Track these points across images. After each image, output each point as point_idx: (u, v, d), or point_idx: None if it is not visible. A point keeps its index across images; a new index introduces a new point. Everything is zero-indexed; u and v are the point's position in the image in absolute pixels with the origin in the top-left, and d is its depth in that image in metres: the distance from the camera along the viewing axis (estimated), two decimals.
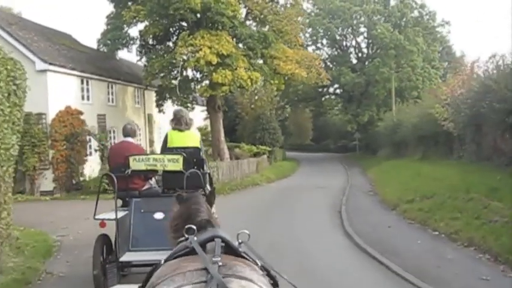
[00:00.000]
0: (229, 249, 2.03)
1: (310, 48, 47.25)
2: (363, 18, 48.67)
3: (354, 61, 51.07)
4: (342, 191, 20.48)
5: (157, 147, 32.17)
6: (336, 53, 52.20)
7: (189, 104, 24.17)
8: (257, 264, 2.05)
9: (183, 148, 6.48)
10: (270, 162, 34.94)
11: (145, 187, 6.75)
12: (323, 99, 58.01)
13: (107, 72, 24.34)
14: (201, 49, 20.74)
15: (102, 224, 6.32)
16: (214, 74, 21.36)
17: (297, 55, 25.38)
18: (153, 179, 6.97)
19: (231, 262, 1.90)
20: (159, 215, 6.08)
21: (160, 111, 25.75)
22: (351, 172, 32.16)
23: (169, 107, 26.55)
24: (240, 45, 23.38)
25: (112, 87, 24.94)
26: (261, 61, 24.18)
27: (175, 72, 23.33)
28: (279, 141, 38.04)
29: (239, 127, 38.26)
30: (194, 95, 26.43)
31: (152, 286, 1.91)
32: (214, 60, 20.82)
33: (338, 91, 54.25)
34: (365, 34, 50.15)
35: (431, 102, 20.18)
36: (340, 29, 49.44)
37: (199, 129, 37.89)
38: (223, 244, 2.02)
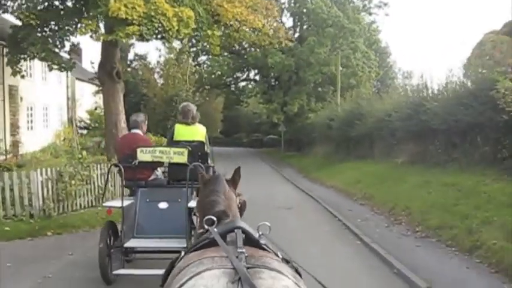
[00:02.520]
0: (249, 241, 1.93)
1: None
2: None
3: None
4: (329, 217, 12.21)
5: (24, 132, 21.54)
6: None
7: (63, 59, 14.09)
8: (278, 256, 1.96)
9: (188, 142, 6.63)
10: None
11: (152, 177, 6.71)
12: (239, 85, 50.19)
13: None
14: None
15: (109, 211, 6.51)
16: (113, 0, 11.57)
17: None
18: (159, 169, 6.93)
19: (257, 253, 1.84)
20: (163, 205, 6.34)
21: (15, 72, 14.95)
22: (288, 175, 25.31)
23: (36, 68, 16.39)
24: None
25: None
26: None
27: None
28: None
29: (144, 112, 28.60)
30: (72, 45, 15.48)
31: (179, 270, 1.82)
32: None
33: (257, 77, 46.40)
34: (291, 10, 42.48)
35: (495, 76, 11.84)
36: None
37: (90, 112, 27.85)
38: (243, 235, 1.93)
